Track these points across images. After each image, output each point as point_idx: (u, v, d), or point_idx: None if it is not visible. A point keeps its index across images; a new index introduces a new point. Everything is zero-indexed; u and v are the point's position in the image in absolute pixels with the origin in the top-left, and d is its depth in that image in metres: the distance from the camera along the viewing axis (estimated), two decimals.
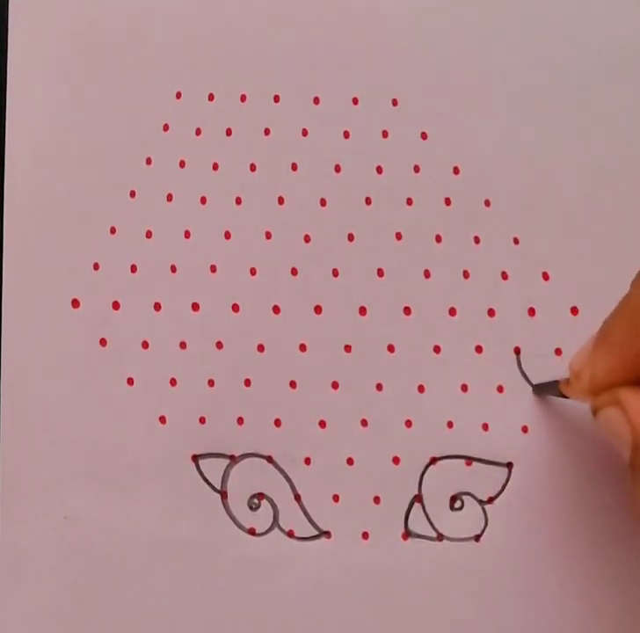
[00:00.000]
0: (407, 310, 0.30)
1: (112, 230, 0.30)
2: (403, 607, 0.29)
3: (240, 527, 0.29)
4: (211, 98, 0.30)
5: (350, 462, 0.29)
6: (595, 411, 0.25)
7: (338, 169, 0.30)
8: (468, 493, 0.29)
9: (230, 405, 0.29)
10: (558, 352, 0.29)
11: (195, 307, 0.30)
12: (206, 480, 0.29)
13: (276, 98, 0.30)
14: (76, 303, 0.30)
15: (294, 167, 0.30)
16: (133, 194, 0.30)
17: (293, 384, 0.30)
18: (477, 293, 0.30)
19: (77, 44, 0.30)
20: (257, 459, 0.29)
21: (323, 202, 0.30)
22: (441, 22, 0.31)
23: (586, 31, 0.31)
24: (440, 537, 0.29)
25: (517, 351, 0.30)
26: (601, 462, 0.29)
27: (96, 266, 0.30)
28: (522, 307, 0.30)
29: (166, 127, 0.30)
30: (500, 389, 0.30)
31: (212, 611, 0.29)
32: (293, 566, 0.29)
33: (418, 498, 0.29)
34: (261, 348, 0.30)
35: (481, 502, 0.29)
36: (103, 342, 0.30)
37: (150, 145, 0.30)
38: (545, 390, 0.29)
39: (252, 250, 0.30)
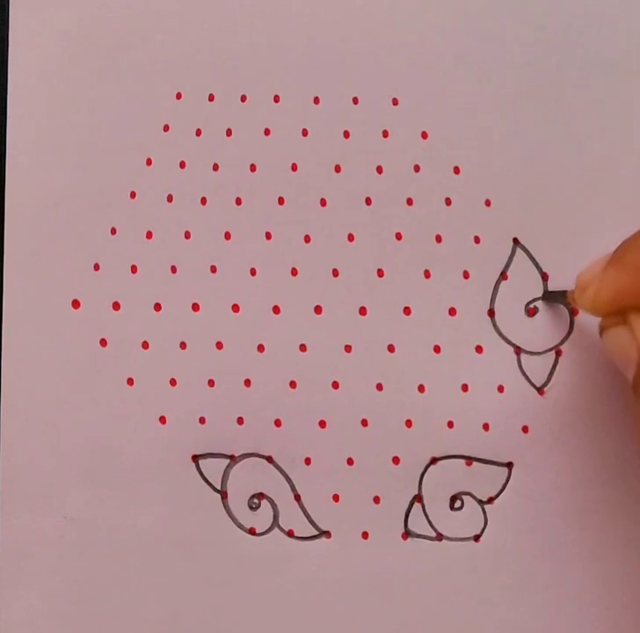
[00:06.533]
0: (407, 310, 0.30)
1: (113, 231, 0.30)
2: (403, 606, 0.29)
3: (240, 527, 0.29)
4: (211, 98, 0.30)
5: (350, 462, 0.29)
6: (602, 330, 0.25)
7: (338, 169, 0.30)
8: (468, 493, 0.29)
9: (230, 405, 0.29)
10: (559, 352, 0.29)
11: (195, 307, 0.30)
12: (206, 480, 0.29)
13: (276, 98, 0.30)
14: (76, 304, 0.30)
15: (294, 167, 0.30)
16: (133, 195, 0.30)
17: (293, 384, 0.30)
18: (477, 292, 0.30)
19: (77, 44, 0.30)
20: (257, 459, 0.29)
21: (323, 202, 0.30)
22: (441, 22, 0.31)
23: (587, 31, 0.31)
24: (440, 537, 0.29)
25: (517, 351, 0.30)
26: (601, 461, 0.29)
27: (96, 267, 0.30)
28: (522, 307, 0.30)
29: (166, 128, 0.30)
30: (500, 388, 0.30)
31: (212, 611, 0.29)
32: (293, 566, 0.29)
33: (417, 498, 0.29)
34: (261, 348, 0.30)
35: (481, 502, 0.29)
36: (103, 342, 0.30)
37: (150, 145, 0.30)
38: (555, 299, 0.29)
39: (252, 250, 0.30)
